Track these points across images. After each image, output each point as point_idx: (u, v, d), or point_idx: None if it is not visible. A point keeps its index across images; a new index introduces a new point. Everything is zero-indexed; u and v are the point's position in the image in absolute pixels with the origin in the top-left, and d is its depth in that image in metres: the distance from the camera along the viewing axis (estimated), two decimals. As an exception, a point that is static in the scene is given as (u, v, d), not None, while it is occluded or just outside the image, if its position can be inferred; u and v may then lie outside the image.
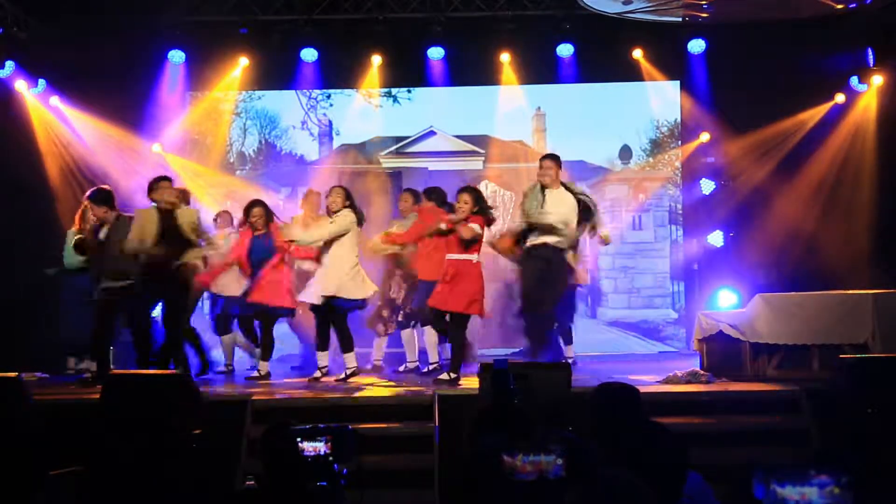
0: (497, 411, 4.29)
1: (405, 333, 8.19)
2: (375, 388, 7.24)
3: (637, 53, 10.07)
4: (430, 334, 7.98)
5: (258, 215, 7.92)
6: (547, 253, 6.98)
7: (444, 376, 7.11)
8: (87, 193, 7.65)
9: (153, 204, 7.24)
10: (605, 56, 10.13)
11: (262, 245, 7.88)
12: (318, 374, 7.58)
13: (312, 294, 7.42)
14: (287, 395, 6.93)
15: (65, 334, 8.36)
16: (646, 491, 2.38)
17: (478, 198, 7.18)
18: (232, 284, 8.08)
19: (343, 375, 7.49)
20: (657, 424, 3.31)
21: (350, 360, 7.53)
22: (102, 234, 7.45)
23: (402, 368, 8.19)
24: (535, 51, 10.11)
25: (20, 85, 9.32)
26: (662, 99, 10.49)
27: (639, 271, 10.45)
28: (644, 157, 10.55)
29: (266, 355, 7.86)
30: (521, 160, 10.50)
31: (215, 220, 8.74)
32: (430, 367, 7.94)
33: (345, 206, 7.47)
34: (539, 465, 2.83)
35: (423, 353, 8.15)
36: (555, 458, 2.83)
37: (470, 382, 6.80)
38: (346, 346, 7.52)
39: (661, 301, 10.45)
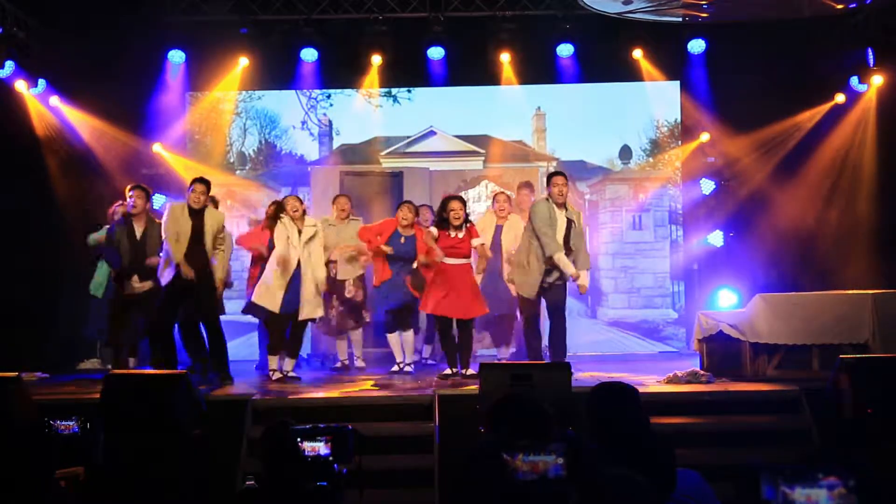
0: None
1: (391, 337, 8.11)
2: (375, 388, 7.24)
3: (637, 53, 10.04)
4: (407, 334, 8.10)
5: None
6: None
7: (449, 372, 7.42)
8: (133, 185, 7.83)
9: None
10: (605, 56, 10.11)
11: None
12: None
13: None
14: (287, 395, 6.93)
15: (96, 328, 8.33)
16: (648, 490, 2.37)
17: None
18: None
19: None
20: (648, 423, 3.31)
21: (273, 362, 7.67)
22: (139, 232, 7.62)
23: (394, 369, 8.12)
24: (535, 51, 10.08)
25: (20, 85, 9.29)
26: (662, 99, 10.47)
27: (639, 271, 10.44)
28: (644, 157, 10.54)
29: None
30: (521, 160, 10.50)
31: None
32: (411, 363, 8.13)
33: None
34: (539, 465, 2.82)
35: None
36: (555, 458, 2.83)
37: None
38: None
39: (661, 301, 10.44)
